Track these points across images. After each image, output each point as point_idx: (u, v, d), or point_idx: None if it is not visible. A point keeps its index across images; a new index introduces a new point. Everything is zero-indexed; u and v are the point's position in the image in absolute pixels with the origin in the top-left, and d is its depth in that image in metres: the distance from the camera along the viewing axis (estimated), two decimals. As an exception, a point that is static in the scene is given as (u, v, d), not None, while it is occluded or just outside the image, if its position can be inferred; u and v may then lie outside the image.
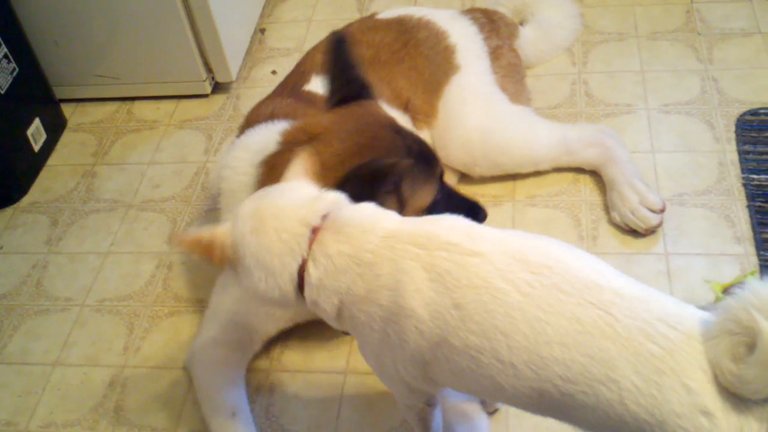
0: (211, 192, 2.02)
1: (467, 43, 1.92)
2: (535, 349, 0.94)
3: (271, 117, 1.58)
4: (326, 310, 1.09)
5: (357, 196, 1.20)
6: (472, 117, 1.84)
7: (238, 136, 1.63)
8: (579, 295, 0.93)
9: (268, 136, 1.46)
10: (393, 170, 1.26)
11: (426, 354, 1.03)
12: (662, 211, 1.71)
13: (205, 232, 1.13)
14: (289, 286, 1.09)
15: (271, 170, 1.40)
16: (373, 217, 1.09)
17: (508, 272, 0.97)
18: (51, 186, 2.15)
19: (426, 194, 1.36)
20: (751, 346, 0.82)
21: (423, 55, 1.87)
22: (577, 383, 0.92)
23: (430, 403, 1.23)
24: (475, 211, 1.45)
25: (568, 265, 0.97)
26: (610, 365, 0.90)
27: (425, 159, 1.37)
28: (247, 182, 1.46)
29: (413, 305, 1.01)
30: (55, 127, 2.28)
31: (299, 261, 1.07)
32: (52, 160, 2.23)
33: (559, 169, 1.87)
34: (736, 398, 0.85)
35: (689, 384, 0.86)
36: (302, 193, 1.14)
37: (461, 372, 1.01)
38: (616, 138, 1.84)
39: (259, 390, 1.61)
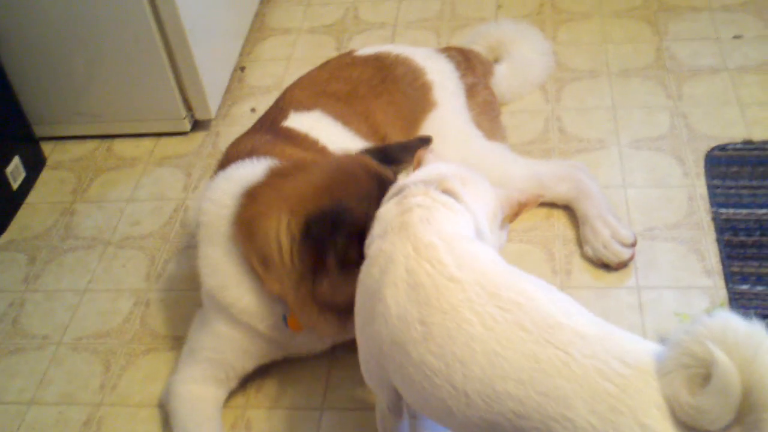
0: (189, 228, 2.03)
1: (444, 80, 1.95)
2: (490, 382, 0.96)
3: (251, 153, 1.60)
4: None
5: (319, 240, 1.28)
6: (448, 153, 1.86)
7: (216, 172, 1.65)
8: (539, 333, 0.96)
9: (253, 170, 1.48)
10: (349, 218, 1.29)
11: (384, 345, 1.08)
12: (634, 245, 1.74)
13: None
14: None
15: (252, 200, 1.42)
16: (417, 207, 1.14)
17: (477, 304, 1.00)
18: (29, 224, 2.16)
19: None
20: (706, 377, 0.84)
21: (401, 91, 1.90)
22: (531, 419, 0.93)
23: (392, 410, 1.25)
24: None
25: (537, 303, 0.99)
26: (566, 404, 0.91)
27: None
28: (227, 215, 1.48)
29: (386, 295, 1.07)
30: (35, 165, 2.29)
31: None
32: (31, 197, 2.24)
33: (532, 205, 1.90)
34: None
35: (645, 422, 0.87)
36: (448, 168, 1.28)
37: (412, 384, 1.04)
38: (587, 173, 1.87)
39: (235, 427, 1.61)
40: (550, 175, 1.87)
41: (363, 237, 1.25)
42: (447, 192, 1.18)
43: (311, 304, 1.40)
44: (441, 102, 1.92)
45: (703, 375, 0.85)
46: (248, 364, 1.61)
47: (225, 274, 1.49)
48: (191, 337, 1.63)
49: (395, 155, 1.51)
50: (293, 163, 1.45)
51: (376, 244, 1.15)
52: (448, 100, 1.93)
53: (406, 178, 1.24)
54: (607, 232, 1.75)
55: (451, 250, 1.07)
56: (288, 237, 1.36)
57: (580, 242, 1.80)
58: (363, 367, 1.21)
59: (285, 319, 1.48)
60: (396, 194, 1.21)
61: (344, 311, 1.41)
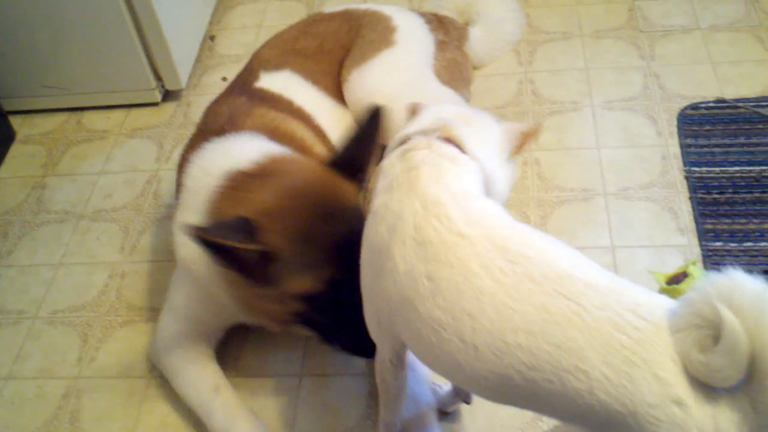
0: (163, 199, 2.02)
1: (411, 26, 1.96)
2: (500, 335, 0.95)
3: (230, 118, 1.61)
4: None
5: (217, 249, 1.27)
6: (398, 91, 1.78)
7: (198, 136, 1.62)
8: (550, 285, 0.94)
9: (244, 149, 1.47)
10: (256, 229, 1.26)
11: (392, 301, 1.07)
12: None
13: None
14: None
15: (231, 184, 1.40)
16: (423, 165, 1.11)
17: (485, 258, 0.99)
18: (0, 199, 2.12)
19: (303, 283, 1.31)
20: (717, 337, 0.83)
21: (363, 37, 1.90)
22: (543, 371, 0.92)
23: (394, 362, 1.24)
24: (358, 346, 1.37)
25: (547, 256, 0.98)
26: (579, 355, 0.90)
27: (330, 244, 1.30)
28: (210, 185, 1.44)
29: (395, 252, 1.06)
30: (4, 140, 2.26)
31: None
32: (1, 173, 2.20)
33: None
34: (708, 388, 0.85)
35: (660, 374, 0.86)
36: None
37: (420, 339, 1.04)
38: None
39: (215, 396, 1.61)
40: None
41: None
42: (450, 140, 1.15)
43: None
44: (401, 42, 1.90)
45: (714, 335, 0.83)
46: (223, 324, 1.61)
47: (195, 246, 1.47)
48: (169, 295, 1.62)
49: (355, 159, 1.40)
50: (279, 164, 1.41)
51: (380, 199, 1.13)
52: (410, 42, 1.92)
53: (406, 128, 1.20)
54: None
55: (460, 206, 1.06)
56: None
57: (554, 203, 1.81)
58: (368, 321, 1.20)
59: None
60: (398, 145, 1.18)
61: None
